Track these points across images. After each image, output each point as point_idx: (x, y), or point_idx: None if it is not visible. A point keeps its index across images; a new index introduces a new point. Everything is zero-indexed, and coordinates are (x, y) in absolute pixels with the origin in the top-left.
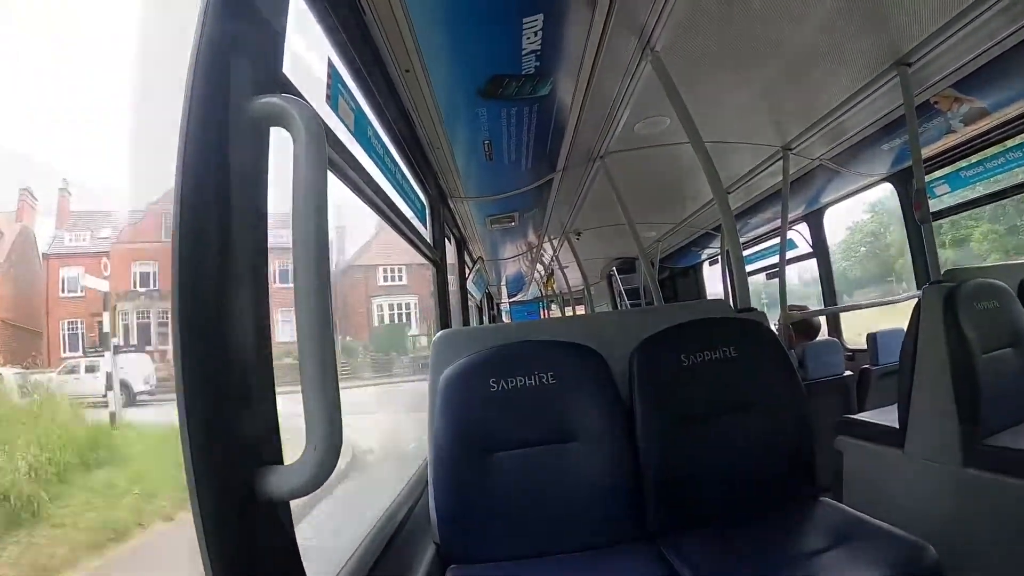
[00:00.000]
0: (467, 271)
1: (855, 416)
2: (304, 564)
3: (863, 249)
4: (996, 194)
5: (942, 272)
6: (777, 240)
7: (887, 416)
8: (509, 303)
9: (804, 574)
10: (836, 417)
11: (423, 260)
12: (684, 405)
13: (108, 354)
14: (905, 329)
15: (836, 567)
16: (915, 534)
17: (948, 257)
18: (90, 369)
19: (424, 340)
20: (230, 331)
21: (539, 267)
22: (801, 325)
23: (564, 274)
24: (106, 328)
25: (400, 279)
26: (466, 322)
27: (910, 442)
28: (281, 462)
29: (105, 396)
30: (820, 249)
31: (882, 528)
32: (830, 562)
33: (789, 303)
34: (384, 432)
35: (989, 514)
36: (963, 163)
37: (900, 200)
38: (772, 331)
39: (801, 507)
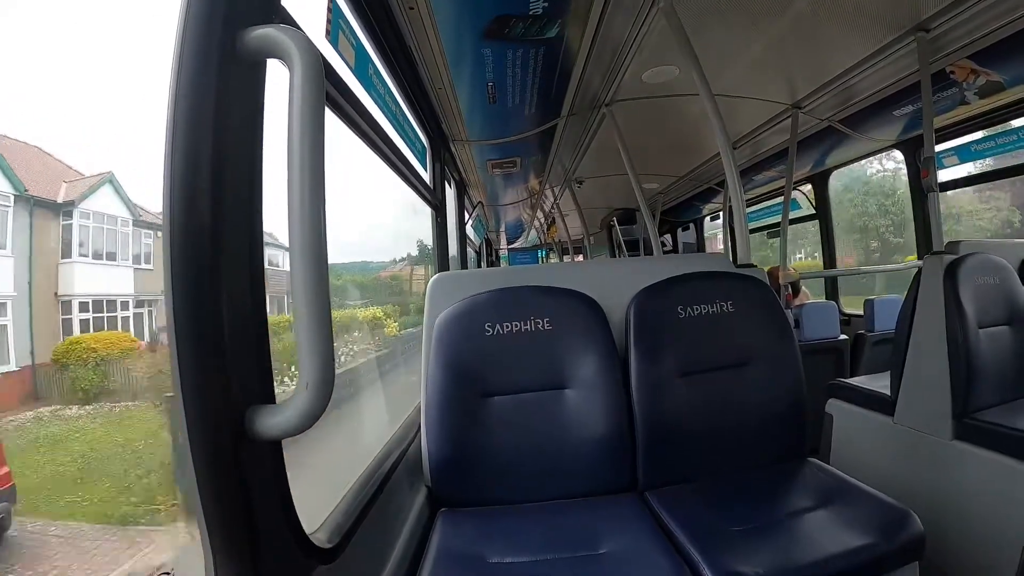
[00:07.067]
0: (467, 215)
1: (847, 380)
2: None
3: None
4: (1005, 170)
5: (944, 243)
6: (778, 200)
7: (879, 383)
8: (508, 250)
9: (790, 532)
10: (828, 380)
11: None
12: (679, 357)
13: None
14: (902, 298)
15: (822, 527)
16: (899, 502)
17: None
18: None
19: None
20: (223, 271)
21: (539, 214)
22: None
23: (564, 222)
24: None
25: None
26: (464, 267)
27: (900, 411)
28: (273, 401)
29: None
30: (823, 210)
31: (869, 492)
32: (816, 522)
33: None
34: None
35: (974, 489)
36: (974, 136)
37: (908, 168)
38: (771, 289)
39: (789, 466)
